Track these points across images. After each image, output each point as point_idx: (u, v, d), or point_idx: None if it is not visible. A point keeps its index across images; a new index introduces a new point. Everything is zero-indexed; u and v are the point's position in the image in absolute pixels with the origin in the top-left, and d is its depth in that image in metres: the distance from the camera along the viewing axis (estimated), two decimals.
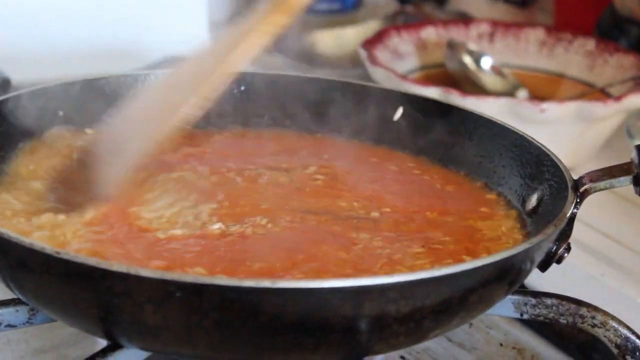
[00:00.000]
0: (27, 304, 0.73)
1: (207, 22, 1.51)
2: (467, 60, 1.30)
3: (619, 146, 1.18)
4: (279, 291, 0.61)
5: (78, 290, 0.64)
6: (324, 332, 0.64)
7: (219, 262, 0.71)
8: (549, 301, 0.78)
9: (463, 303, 0.67)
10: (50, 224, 0.75)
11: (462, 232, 0.79)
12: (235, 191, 0.83)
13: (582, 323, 0.77)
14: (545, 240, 0.71)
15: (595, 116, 1.14)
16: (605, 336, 0.77)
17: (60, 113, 0.91)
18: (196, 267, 0.70)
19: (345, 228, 0.78)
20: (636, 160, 0.78)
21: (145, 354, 0.71)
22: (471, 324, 0.88)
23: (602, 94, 1.26)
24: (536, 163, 0.85)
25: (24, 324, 0.75)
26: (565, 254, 0.76)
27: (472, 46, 1.32)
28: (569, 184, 0.78)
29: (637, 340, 0.76)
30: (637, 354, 0.76)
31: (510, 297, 0.77)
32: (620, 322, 0.77)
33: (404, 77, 1.19)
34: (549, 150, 0.84)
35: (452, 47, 1.31)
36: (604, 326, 0.77)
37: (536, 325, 0.89)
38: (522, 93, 1.29)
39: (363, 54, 1.25)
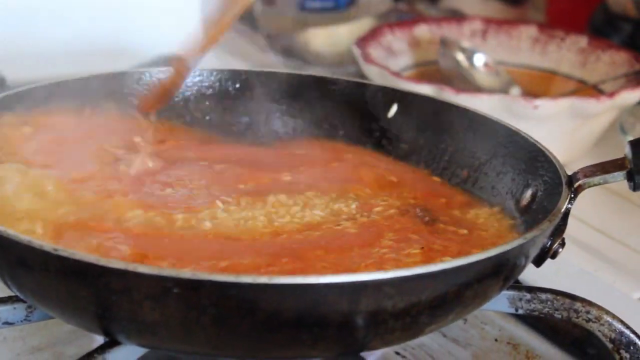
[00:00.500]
0: (25, 302, 0.74)
1: (200, 20, 1.51)
2: (460, 57, 1.31)
3: (612, 142, 1.19)
4: (276, 287, 0.62)
5: (76, 287, 0.64)
6: (321, 327, 0.64)
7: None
8: (543, 296, 0.78)
9: (459, 298, 0.67)
10: None
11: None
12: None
13: (577, 318, 0.78)
14: (540, 235, 0.71)
15: (588, 113, 1.15)
16: (599, 331, 0.77)
17: None
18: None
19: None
20: (630, 156, 0.78)
21: (143, 351, 0.71)
22: (466, 320, 0.89)
23: (594, 90, 1.26)
24: (530, 159, 0.85)
25: (21, 321, 0.75)
26: (560, 249, 0.76)
27: (465, 44, 1.32)
28: (564, 180, 0.78)
29: (631, 335, 0.77)
30: (631, 348, 0.77)
31: (505, 293, 0.77)
32: (614, 317, 0.77)
33: (397, 74, 1.20)
34: (543, 146, 0.84)
35: (445, 44, 1.31)
36: (599, 321, 0.77)
37: (531, 321, 0.89)
38: (515, 90, 1.30)
39: (357, 51, 1.25)
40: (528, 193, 0.84)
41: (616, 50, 1.30)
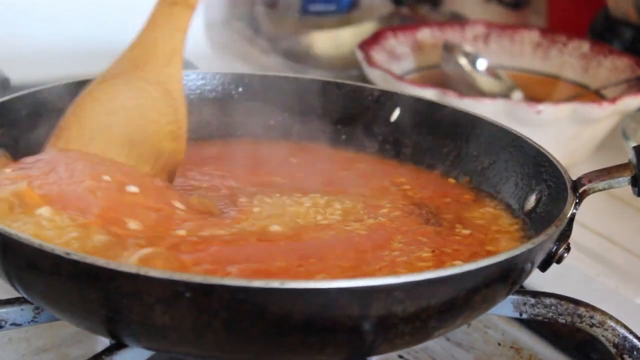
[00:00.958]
0: (32, 303, 0.74)
1: (203, 22, 1.52)
2: (463, 61, 1.31)
3: (613, 147, 1.19)
4: (287, 291, 0.62)
5: (87, 291, 0.64)
6: (330, 332, 0.64)
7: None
8: (547, 301, 0.79)
9: (468, 303, 0.68)
10: None
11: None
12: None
13: (581, 323, 0.78)
14: (547, 240, 0.72)
15: (590, 118, 1.15)
16: (603, 336, 0.78)
17: None
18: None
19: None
20: (634, 161, 0.79)
21: (149, 353, 0.71)
22: (469, 324, 0.89)
23: (596, 95, 1.27)
24: (534, 164, 0.85)
25: (28, 322, 0.75)
26: (565, 254, 0.77)
27: (468, 48, 1.33)
28: (568, 185, 0.78)
29: (634, 340, 0.77)
30: (635, 353, 0.77)
31: (510, 297, 0.77)
32: (618, 322, 0.78)
33: (400, 78, 1.20)
34: (546, 151, 0.84)
35: (448, 48, 1.31)
36: (602, 326, 0.78)
37: (534, 325, 0.89)
38: (517, 94, 1.30)
39: (360, 55, 1.26)
40: (532, 197, 0.84)
41: (618, 56, 1.31)
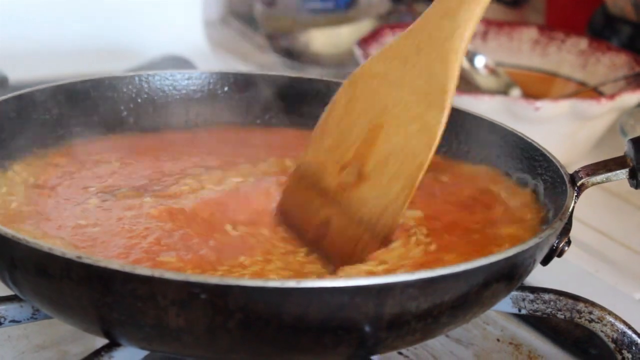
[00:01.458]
0: None
1: (202, 21, 1.52)
2: None
3: (612, 144, 1.19)
4: (303, 291, 0.62)
5: (99, 295, 0.63)
6: (345, 330, 0.64)
7: None
8: (546, 296, 0.79)
9: (478, 298, 0.68)
10: None
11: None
12: None
13: (580, 318, 0.78)
14: (552, 234, 0.72)
15: (589, 114, 1.15)
16: (602, 331, 0.78)
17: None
18: None
19: None
20: (631, 154, 0.79)
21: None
22: None
23: (594, 92, 1.27)
24: (527, 158, 0.85)
25: (28, 319, 0.75)
26: (566, 248, 0.77)
27: None
28: (566, 178, 0.78)
29: (633, 335, 0.77)
30: (634, 348, 0.77)
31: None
32: (616, 317, 0.78)
33: None
34: (539, 145, 0.85)
35: None
36: (601, 321, 0.78)
37: (533, 321, 0.89)
38: (515, 91, 1.30)
39: (358, 52, 1.26)
40: (527, 192, 0.84)
41: (616, 53, 1.31)
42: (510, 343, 0.88)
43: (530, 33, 1.38)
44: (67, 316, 0.69)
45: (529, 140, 0.85)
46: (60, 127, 0.90)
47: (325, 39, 1.45)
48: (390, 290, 0.63)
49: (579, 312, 0.78)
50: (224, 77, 0.97)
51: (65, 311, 0.67)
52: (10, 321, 0.75)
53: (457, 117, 0.92)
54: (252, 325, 0.63)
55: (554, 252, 0.77)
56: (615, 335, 0.78)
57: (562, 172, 0.80)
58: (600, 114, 1.16)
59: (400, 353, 0.85)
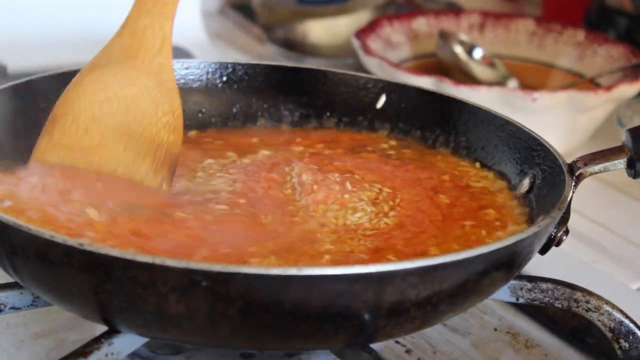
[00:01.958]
0: None
1: (199, 12, 1.52)
2: (459, 50, 1.31)
3: (609, 135, 1.20)
4: (304, 278, 0.62)
5: (100, 282, 0.64)
6: (345, 317, 0.65)
7: None
8: (544, 285, 0.79)
9: (477, 286, 0.69)
10: None
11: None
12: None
13: (577, 307, 0.79)
14: (551, 223, 0.72)
15: (586, 106, 1.15)
16: (599, 320, 0.78)
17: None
18: None
19: None
20: (629, 144, 0.79)
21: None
22: None
23: (591, 84, 1.27)
24: (525, 148, 0.86)
25: (27, 306, 0.76)
26: (564, 237, 0.77)
27: (463, 37, 1.33)
28: (564, 168, 0.79)
29: (630, 324, 0.78)
30: (631, 337, 0.78)
31: None
32: (614, 307, 0.78)
33: (397, 66, 1.20)
34: (538, 134, 0.85)
35: (444, 37, 1.32)
36: (598, 310, 0.78)
37: (530, 310, 0.90)
38: (513, 83, 1.31)
39: (356, 43, 1.26)
40: (526, 181, 0.84)
41: (613, 44, 1.31)
42: (508, 332, 0.88)
43: (527, 25, 1.38)
44: (67, 303, 0.69)
45: (527, 130, 0.86)
46: None
47: (323, 30, 1.45)
48: (390, 278, 0.64)
49: (576, 301, 0.79)
50: (223, 67, 0.97)
51: (66, 298, 0.68)
52: (11, 308, 0.75)
53: (455, 107, 0.92)
54: (252, 313, 0.63)
55: (552, 241, 0.77)
56: (612, 325, 0.78)
57: (560, 161, 0.80)
58: (597, 105, 1.16)
59: (397, 342, 0.86)
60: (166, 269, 0.61)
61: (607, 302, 0.78)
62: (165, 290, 0.62)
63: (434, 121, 0.92)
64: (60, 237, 0.63)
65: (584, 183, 0.80)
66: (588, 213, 1.09)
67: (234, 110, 0.97)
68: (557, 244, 0.77)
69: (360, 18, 1.43)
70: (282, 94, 0.97)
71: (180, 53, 1.29)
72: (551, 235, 0.77)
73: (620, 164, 0.80)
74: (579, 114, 1.17)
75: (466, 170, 0.89)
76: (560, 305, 0.79)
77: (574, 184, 0.78)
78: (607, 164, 0.80)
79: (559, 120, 1.16)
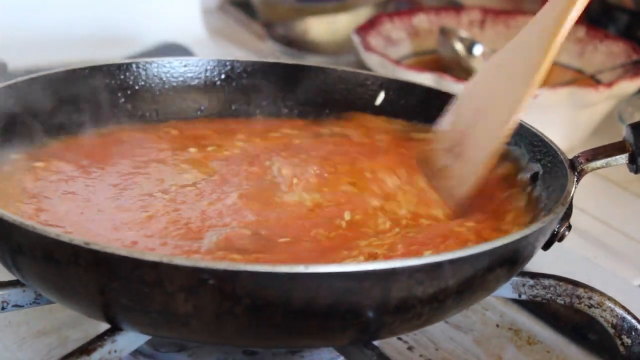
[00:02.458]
0: None
1: (200, 8, 1.52)
2: (459, 47, 1.31)
3: (610, 131, 1.19)
4: (312, 276, 0.62)
5: (106, 281, 0.64)
6: (352, 314, 0.65)
7: None
8: (546, 282, 0.79)
9: (482, 282, 0.69)
10: None
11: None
12: None
13: (579, 304, 0.79)
14: (555, 218, 0.72)
15: (587, 102, 1.15)
16: (601, 316, 0.78)
17: None
18: None
19: None
20: (630, 139, 0.79)
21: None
22: None
23: (592, 80, 1.27)
24: (526, 144, 0.86)
25: (30, 304, 0.75)
26: (567, 232, 0.78)
27: (464, 33, 1.33)
28: (566, 163, 0.79)
29: (632, 320, 0.78)
30: (633, 333, 0.78)
31: None
32: (616, 303, 0.78)
33: (398, 62, 1.20)
34: (538, 130, 0.85)
35: (444, 33, 1.32)
36: (601, 306, 0.78)
37: (532, 307, 0.90)
38: None
39: (356, 40, 1.26)
40: (527, 177, 0.84)
41: (613, 41, 1.31)
42: (510, 329, 0.88)
43: (528, 21, 1.37)
44: (71, 302, 0.69)
45: (528, 126, 0.86)
46: (56, 115, 0.90)
47: (323, 27, 1.45)
48: (397, 275, 0.64)
49: (578, 297, 0.79)
50: (221, 65, 0.97)
51: (70, 297, 0.68)
52: (13, 306, 0.75)
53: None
54: (259, 311, 0.63)
55: (555, 237, 0.77)
56: (614, 321, 0.78)
57: (562, 157, 0.80)
58: (598, 101, 1.16)
59: (399, 339, 0.86)
60: (174, 267, 0.61)
61: (610, 299, 0.78)
62: (172, 289, 0.62)
63: (434, 118, 0.92)
64: (66, 237, 0.63)
65: (585, 180, 0.80)
66: (590, 210, 1.09)
67: (233, 107, 0.97)
68: (560, 240, 0.78)
69: (360, 15, 1.43)
70: (281, 91, 0.97)
71: (179, 50, 1.30)
72: (554, 230, 0.77)
73: (622, 159, 0.80)
74: (579, 110, 1.17)
75: None
76: (562, 302, 0.79)
77: (576, 179, 0.78)
78: (609, 159, 0.80)
79: (559, 117, 1.16)
